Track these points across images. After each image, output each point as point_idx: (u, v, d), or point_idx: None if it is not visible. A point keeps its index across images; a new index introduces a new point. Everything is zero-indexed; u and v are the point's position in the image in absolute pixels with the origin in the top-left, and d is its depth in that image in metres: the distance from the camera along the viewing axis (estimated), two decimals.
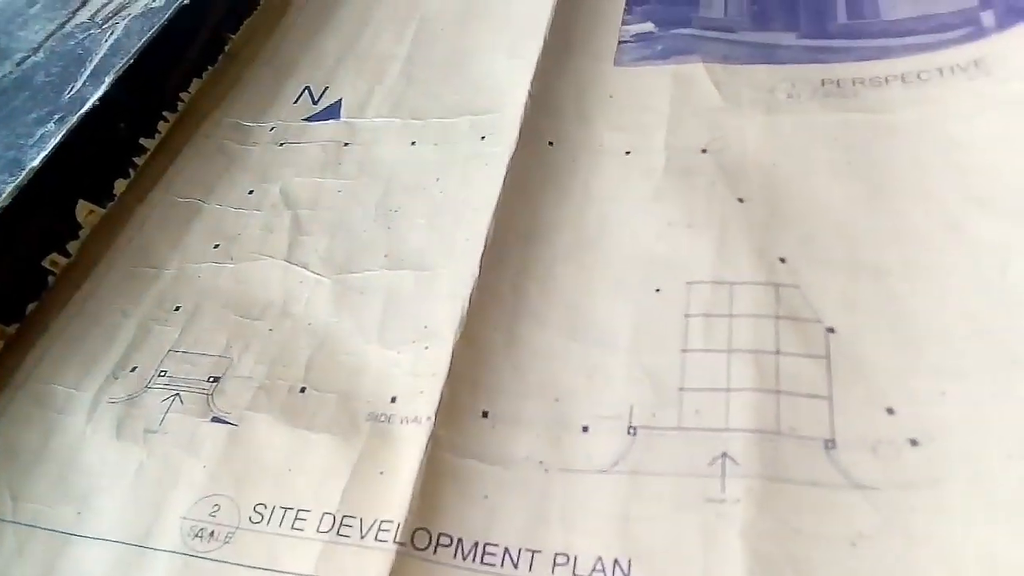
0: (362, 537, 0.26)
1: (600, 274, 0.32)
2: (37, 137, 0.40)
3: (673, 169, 0.35)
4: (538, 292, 0.32)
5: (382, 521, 0.26)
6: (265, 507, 0.28)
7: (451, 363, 0.30)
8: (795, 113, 0.36)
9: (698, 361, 0.28)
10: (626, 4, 0.44)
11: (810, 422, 0.26)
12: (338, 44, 0.47)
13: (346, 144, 0.41)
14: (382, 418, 0.29)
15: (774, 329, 0.28)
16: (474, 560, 0.25)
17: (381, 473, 0.28)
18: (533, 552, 0.25)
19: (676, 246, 0.32)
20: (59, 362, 0.35)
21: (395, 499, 0.27)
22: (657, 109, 0.38)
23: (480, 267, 0.32)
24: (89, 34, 0.47)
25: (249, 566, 0.27)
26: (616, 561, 0.24)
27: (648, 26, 0.42)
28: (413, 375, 0.30)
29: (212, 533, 0.28)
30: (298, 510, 0.28)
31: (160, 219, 0.40)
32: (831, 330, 0.28)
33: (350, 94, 0.44)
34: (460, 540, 0.26)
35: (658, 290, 0.31)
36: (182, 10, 0.45)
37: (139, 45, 0.43)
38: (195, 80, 0.45)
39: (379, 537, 0.26)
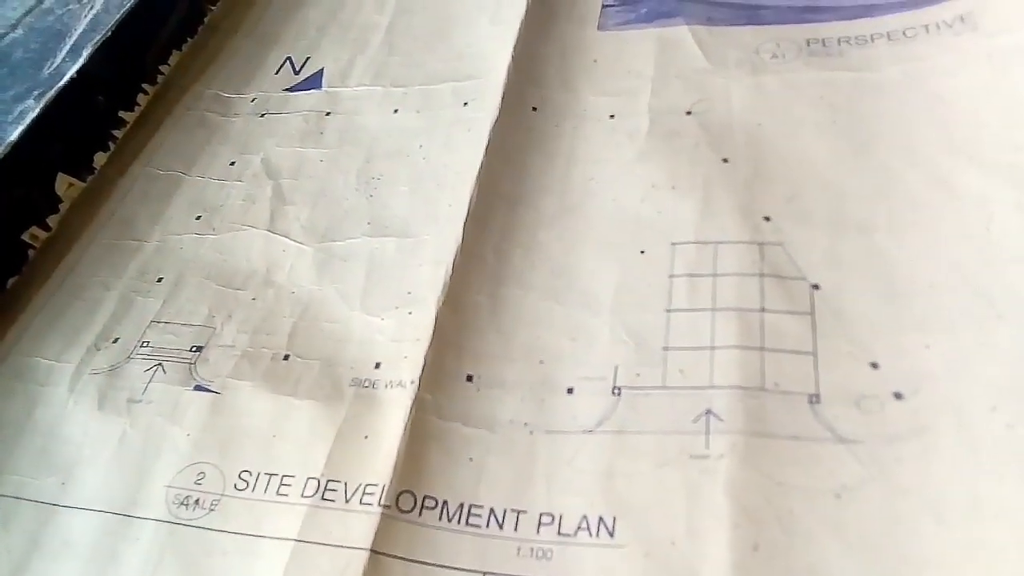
0: (347, 501, 0.26)
1: (584, 237, 0.32)
2: (16, 113, 0.39)
3: (657, 132, 0.35)
4: (522, 256, 0.32)
5: (367, 485, 0.26)
6: (250, 474, 0.28)
7: (435, 328, 0.29)
8: (780, 73, 0.35)
9: (682, 320, 0.28)
10: None
11: (794, 377, 0.26)
12: (320, 14, 0.47)
13: (328, 113, 0.40)
14: (366, 383, 0.29)
15: (759, 287, 0.28)
16: (459, 522, 0.25)
17: (366, 437, 0.28)
18: (518, 512, 0.25)
19: (660, 208, 0.32)
20: (41, 335, 0.34)
21: (379, 463, 0.26)
22: (641, 72, 0.37)
23: (463, 232, 0.32)
24: (68, 9, 0.46)
25: (234, 532, 0.27)
26: (601, 519, 0.24)
27: None
28: (397, 341, 0.30)
29: (197, 501, 0.27)
30: (283, 476, 0.27)
31: (141, 191, 0.39)
32: (816, 287, 0.28)
33: (332, 64, 0.43)
34: (445, 502, 0.26)
35: (643, 252, 0.31)
36: None
37: (117, 17, 0.42)
38: (175, 52, 0.45)
39: (364, 501, 0.26)
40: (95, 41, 0.42)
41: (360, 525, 0.25)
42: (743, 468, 0.24)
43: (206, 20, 0.47)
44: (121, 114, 0.42)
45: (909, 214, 0.29)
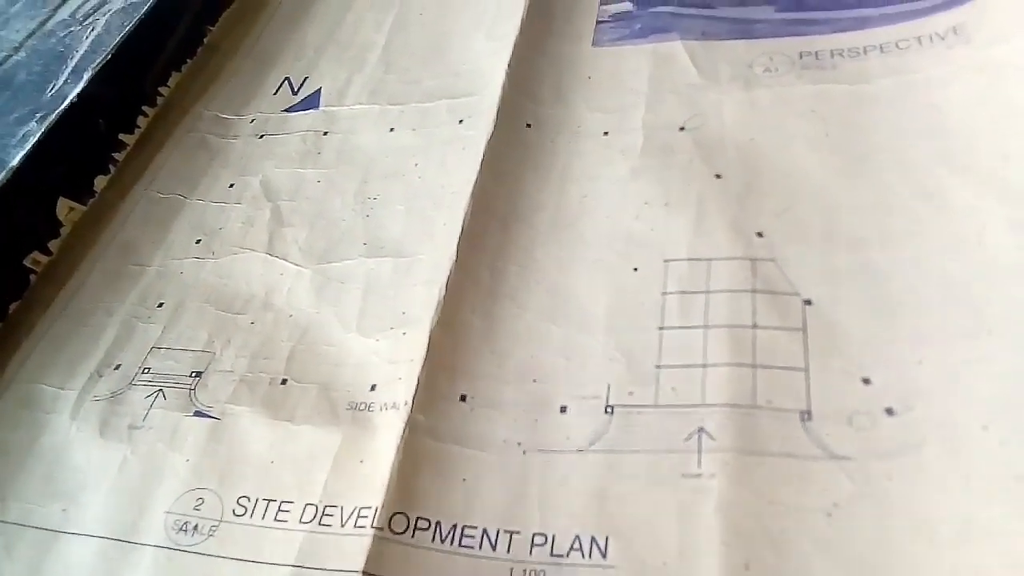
0: (343, 525, 0.26)
1: (578, 255, 0.32)
2: (19, 136, 0.40)
3: (651, 148, 0.35)
4: (517, 274, 0.32)
5: (361, 508, 0.26)
6: (248, 499, 0.28)
7: (428, 348, 0.29)
8: (773, 87, 0.36)
9: (675, 338, 0.28)
10: None
11: (786, 394, 0.26)
12: (318, 34, 0.47)
13: (325, 133, 0.41)
14: (361, 406, 0.29)
15: (751, 303, 0.28)
16: (452, 543, 0.25)
17: (361, 461, 0.28)
18: (511, 533, 0.25)
19: (654, 225, 0.32)
20: (45, 362, 0.35)
21: (374, 485, 0.27)
22: (635, 88, 0.38)
23: (457, 251, 0.32)
24: (70, 31, 0.47)
25: (232, 558, 0.27)
26: (593, 539, 0.24)
27: (626, 5, 0.42)
28: (392, 362, 0.30)
29: (196, 527, 0.28)
30: (281, 502, 0.28)
31: (142, 215, 0.40)
32: (808, 302, 0.28)
33: (329, 83, 0.44)
34: (439, 523, 0.26)
35: (636, 269, 0.31)
36: (160, 3, 0.45)
37: (117, 40, 0.43)
38: (174, 73, 0.45)
39: (358, 524, 0.26)
40: (95, 64, 0.42)
41: (353, 548, 0.25)
42: (735, 487, 0.24)
43: (205, 41, 0.48)
44: (121, 137, 0.42)
45: (901, 228, 0.29)
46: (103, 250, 0.38)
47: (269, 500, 0.28)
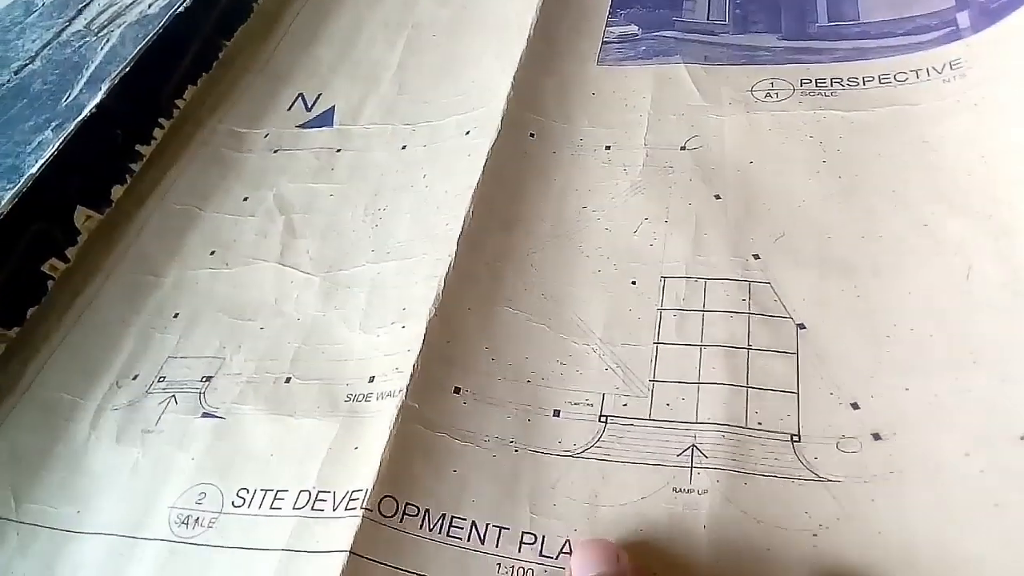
0: (334, 509, 0.27)
1: (577, 265, 0.33)
2: (35, 144, 0.41)
3: (652, 165, 0.36)
4: (514, 278, 0.33)
5: (353, 491, 0.27)
6: (247, 491, 0.29)
7: (425, 338, 0.30)
8: (773, 112, 0.37)
9: (670, 354, 0.29)
10: (610, 7, 0.45)
11: (777, 417, 0.27)
12: (332, 52, 0.48)
13: (339, 150, 0.42)
14: (359, 398, 0.30)
15: (746, 325, 0.29)
16: (440, 532, 0.26)
17: (356, 448, 0.29)
18: (500, 528, 0.26)
19: (652, 240, 0.33)
20: (63, 370, 0.36)
21: (366, 469, 0.27)
22: (638, 107, 0.39)
23: (457, 248, 0.33)
24: (85, 42, 0.48)
25: (229, 547, 0.28)
26: None
27: (632, 28, 0.43)
28: (390, 354, 0.31)
29: (197, 519, 0.29)
30: (277, 491, 0.28)
31: (158, 226, 0.41)
32: (801, 326, 0.29)
33: (343, 101, 0.45)
34: (427, 511, 0.26)
35: (633, 282, 0.32)
36: (176, 17, 0.46)
37: (134, 53, 0.44)
38: (190, 87, 0.46)
39: (349, 507, 0.27)
40: (112, 76, 0.43)
41: (342, 529, 0.26)
42: (725, 504, 0.25)
43: (220, 55, 0.49)
44: (138, 148, 0.43)
45: (892, 258, 0.30)
46: (119, 260, 0.40)
47: (267, 490, 0.29)
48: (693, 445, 0.27)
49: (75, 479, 0.31)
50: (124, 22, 0.48)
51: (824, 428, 0.26)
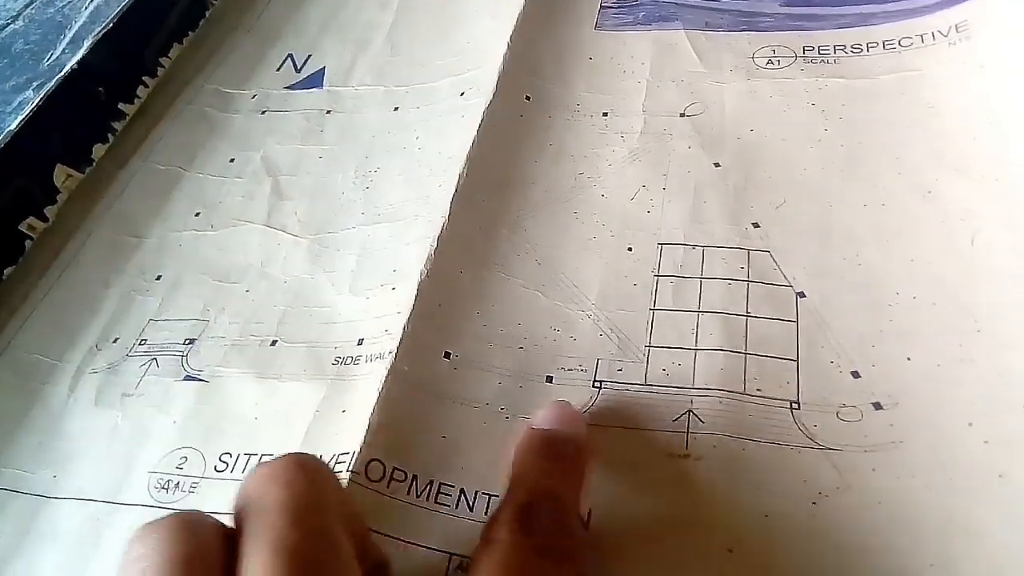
0: None
1: (572, 230, 0.32)
2: (16, 104, 0.40)
3: (650, 132, 0.35)
4: (508, 242, 0.32)
5: (339, 454, 0.26)
6: (230, 456, 0.28)
7: (415, 300, 0.29)
8: (775, 79, 0.36)
9: (666, 320, 0.28)
10: None
11: (777, 384, 0.26)
12: (321, 11, 0.47)
13: (328, 112, 0.41)
14: (348, 360, 0.29)
15: (745, 293, 0.29)
16: (428, 498, 0.25)
17: (343, 411, 0.28)
18: (489, 496, 0.25)
19: (650, 207, 0.32)
20: (41, 332, 0.35)
21: (353, 432, 0.26)
22: (637, 73, 0.38)
23: (451, 210, 0.32)
24: (69, 2, 0.46)
25: (211, 512, 0.27)
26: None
27: None
28: (379, 317, 0.30)
29: (178, 484, 0.28)
30: (261, 455, 0.28)
31: (140, 186, 0.40)
32: (801, 295, 0.28)
33: (333, 62, 0.44)
34: (415, 476, 0.25)
35: (630, 248, 0.31)
36: None
37: (118, 9, 0.43)
38: (176, 45, 0.45)
39: (335, 469, 0.26)
40: (96, 33, 0.42)
41: None
42: (721, 471, 0.24)
43: (207, 14, 0.47)
44: (121, 106, 0.42)
45: (895, 226, 0.29)
46: (100, 220, 0.38)
47: (250, 455, 0.28)
48: (689, 410, 0.26)
49: (52, 443, 0.30)
50: None
51: (824, 396, 0.25)
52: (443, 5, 0.45)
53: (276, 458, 0.20)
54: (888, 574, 0.22)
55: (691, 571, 0.23)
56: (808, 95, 0.35)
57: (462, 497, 0.25)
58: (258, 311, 0.33)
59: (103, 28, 0.42)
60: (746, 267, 0.29)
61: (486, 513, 0.25)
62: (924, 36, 0.35)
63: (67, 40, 0.43)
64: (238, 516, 0.19)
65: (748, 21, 0.39)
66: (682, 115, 0.35)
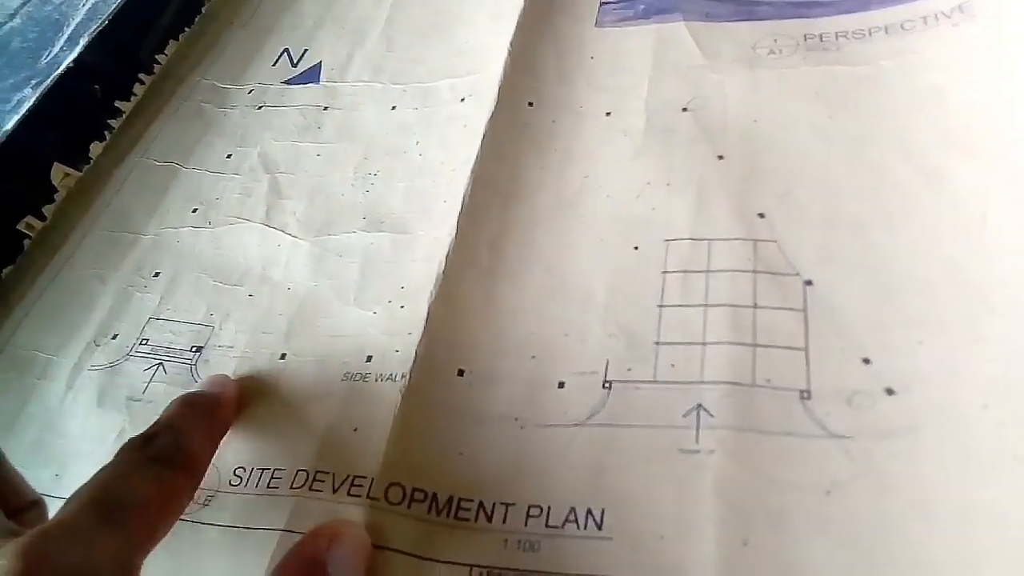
0: (334, 491, 0.26)
1: (579, 234, 0.32)
2: (14, 103, 0.40)
3: (653, 128, 0.35)
4: (516, 253, 0.32)
5: (355, 476, 0.26)
6: (244, 470, 0.28)
7: (427, 322, 0.29)
8: (777, 68, 0.35)
9: (674, 316, 0.28)
10: None
11: (786, 374, 0.26)
12: (317, 6, 0.47)
13: (325, 108, 0.40)
14: (357, 377, 0.29)
15: (751, 283, 0.28)
16: (448, 515, 0.25)
17: (355, 430, 0.28)
18: (507, 505, 0.25)
19: (655, 204, 0.32)
20: (38, 328, 0.34)
21: (368, 455, 0.26)
22: (638, 69, 0.37)
23: (458, 227, 0.32)
24: None
25: (224, 525, 0.27)
26: (589, 511, 0.24)
27: None
28: (388, 334, 0.30)
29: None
30: (274, 470, 0.27)
31: (137, 183, 0.39)
32: (809, 283, 0.28)
33: (330, 57, 0.43)
34: (435, 495, 0.26)
35: (636, 248, 0.31)
36: None
37: (114, 6, 0.42)
38: (171, 42, 0.45)
39: (352, 492, 0.26)
40: (92, 30, 0.42)
41: (348, 516, 0.25)
42: (733, 464, 0.24)
43: (203, 9, 0.47)
44: (118, 104, 0.42)
45: (903, 211, 0.29)
46: (97, 216, 0.38)
47: (263, 469, 0.28)
48: (699, 404, 0.26)
49: (51, 440, 0.30)
50: None
51: (835, 384, 0.25)
52: (438, 1, 0.44)
53: None
54: (905, 562, 0.22)
55: (706, 565, 0.22)
56: (811, 83, 0.34)
57: (480, 509, 0.25)
58: (264, 320, 0.32)
59: (99, 25, 0.42)
60: (753, 258, 0.29)
61: (504, 522, 0.25)
62: (927, 18, 0.35)
63: (65, 37, 0.43)
64: None
65: (748, 10, 0.39)
66: (684, 109, 0.35)
